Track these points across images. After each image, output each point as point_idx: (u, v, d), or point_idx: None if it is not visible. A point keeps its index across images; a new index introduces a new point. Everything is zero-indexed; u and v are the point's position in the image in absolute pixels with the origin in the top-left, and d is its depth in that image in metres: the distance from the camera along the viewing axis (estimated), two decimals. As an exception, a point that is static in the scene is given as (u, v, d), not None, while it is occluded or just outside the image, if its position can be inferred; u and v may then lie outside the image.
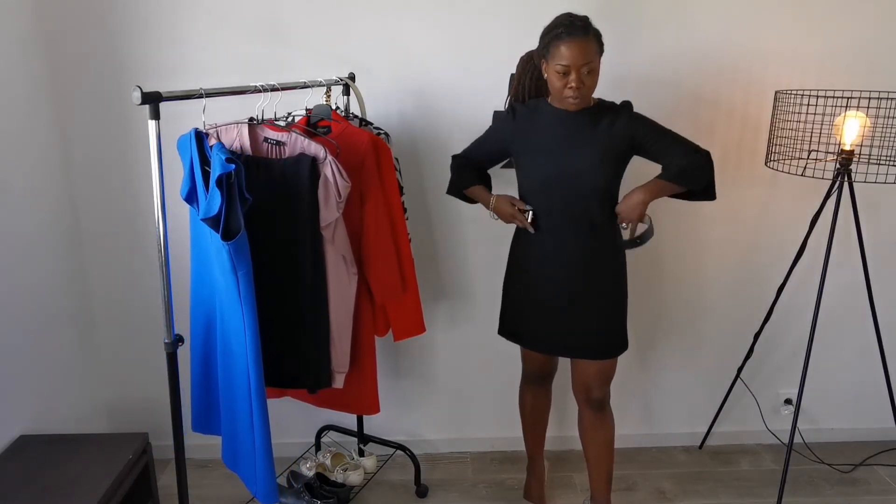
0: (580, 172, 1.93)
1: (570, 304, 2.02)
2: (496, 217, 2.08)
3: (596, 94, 2.03)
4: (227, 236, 1.62)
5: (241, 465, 1.87)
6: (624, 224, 2.00)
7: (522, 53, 2.07)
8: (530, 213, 2.01)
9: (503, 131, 2.06)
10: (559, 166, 1.94)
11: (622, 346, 2.08)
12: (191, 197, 1.75)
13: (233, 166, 1.59)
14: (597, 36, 1.86)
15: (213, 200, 1.62)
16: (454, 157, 2.17)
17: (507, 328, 2.18)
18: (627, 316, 2.38)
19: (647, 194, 1.93)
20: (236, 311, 1.69)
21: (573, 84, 1.83)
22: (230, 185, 1.60)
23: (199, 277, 1.86)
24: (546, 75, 1.92)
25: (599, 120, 1.95)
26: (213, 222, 1.62)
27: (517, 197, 2.07)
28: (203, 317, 1.88)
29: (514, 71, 2.12)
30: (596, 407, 2.13)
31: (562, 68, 1.82)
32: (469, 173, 2.13)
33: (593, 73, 1.85)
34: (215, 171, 1.60)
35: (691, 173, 1.92)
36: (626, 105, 1.97)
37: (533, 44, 1.99)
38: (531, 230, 2.01)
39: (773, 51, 2.43)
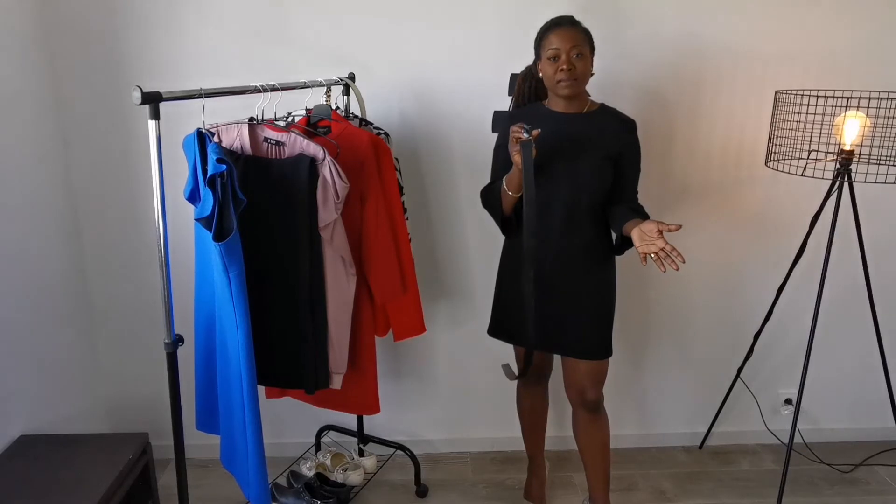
0: (575, 172, 1.94)
1: (560, 302, 2.03)
2: (519, 167, 1.84)
3: (597, 97, 2.04)
4: (218, 237, 1.62)
5: (237, 466, 1.87)
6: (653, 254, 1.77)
7: (520, 51, 2.09)
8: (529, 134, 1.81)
9: (504, 136, 2.06)
10: (554, 165, 1.95)
11: (607, 350, 2.08)
12: (193, 197, 1.75)
13: (223, 167, 1.59)
14: (585, 32, 1.92)
15: (206, 200, 1.63)
16: (481, 193, 2.14)
17: (499, 327, 2.19)
18: (628, 316, 2.38)
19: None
20: (230, 312, 1.70)
21: (563, 66, 1.86)
22: (223, 186, 1.61)
23: (202, 277, 1.86)
24: (542, 73, 1.95)
25: (600, 123, 1.98)
26: (206, 222, 1.63)
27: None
28: (205, 316, 1.88)
29: (514, 71, 2.13)
30: (590, 408, 2.13)
31: (552, 52, 1.88)
32: (494, 185, 2.06)
33: (583, 58, 1.88)
34: (208, 172, 1.61)
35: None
36: (634, 124, 2.01)
37: (531, 43, 1.99)
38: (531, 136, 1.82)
39: (773, 51, 2.43)
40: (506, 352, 2.35)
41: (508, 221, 2.08)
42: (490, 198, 2.08)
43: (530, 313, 1.92)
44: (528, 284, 1.90)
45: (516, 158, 1.83)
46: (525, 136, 1.79)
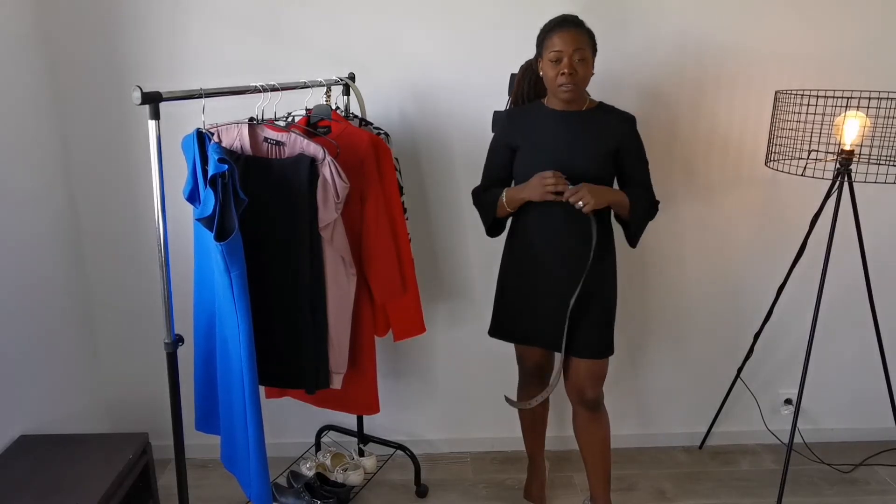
0: (576, 171, 1.94)
1: (562, 302, 2.03)
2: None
3: (597, 96, 2.04)
4: (220, 236, 1.62)
5: (238, 466, 1.87)
6: (578, 202, 1.88)
7: (521, 52, 2.09)
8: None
9: (504, 135, 2.07)
10: (555, 164, 1.95)
11: (608, 348, 2.09)
12: (193, 197, 1.75)
13: (225, 166, 1.59)
14: (589, 33, 1.92)
15: (208, 200, 1.63)
16: (473, 192, 2.16)
17: (501, 327, 2.19)
18: (629, 316, 2.36)
19: (612, 195, 1.94)
20: (231, 312, 1.70)
21: (565, 70, 1.86)
22: (224, 185, 1.61)
23: (202, 277, 1.86)
24: (542, 73, 1.96)
25: (598, 121, 1.98)
26: (207, 222, 1.63)
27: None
28: (205, 316, 1.88)
29: (514, 71, 2.14)
30: (590, 407, 2.13)
31: (554, 55, 1.88)
32: (491, 191, 2.09)
33: (585, 62, 1.89)
34: (209, 172, 1.61)
35: (647, 210, 2.04)
36: (632, 118, 2.02)
37: (531, 43, 1.99)
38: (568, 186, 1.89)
39: (773, 51, 2.43)
40: (506, 352, 2.35)
41: (496, 225, 2.11)
42: (484, 202, 2.10)
43: (564, 328, 2.00)
44: (566, 303, 1.98)
45: (547, 198, 1.90)
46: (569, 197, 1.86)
